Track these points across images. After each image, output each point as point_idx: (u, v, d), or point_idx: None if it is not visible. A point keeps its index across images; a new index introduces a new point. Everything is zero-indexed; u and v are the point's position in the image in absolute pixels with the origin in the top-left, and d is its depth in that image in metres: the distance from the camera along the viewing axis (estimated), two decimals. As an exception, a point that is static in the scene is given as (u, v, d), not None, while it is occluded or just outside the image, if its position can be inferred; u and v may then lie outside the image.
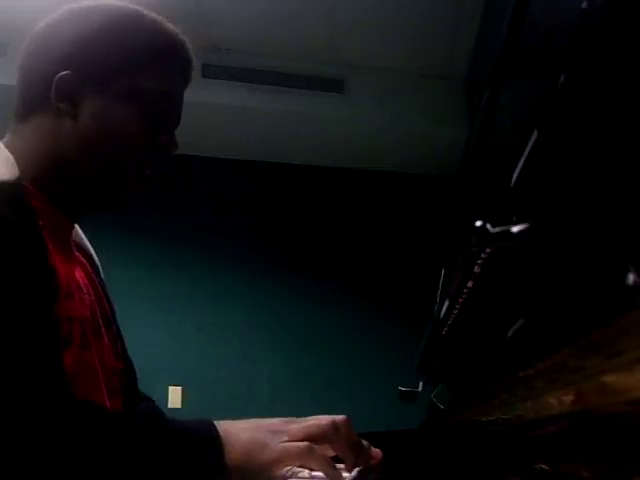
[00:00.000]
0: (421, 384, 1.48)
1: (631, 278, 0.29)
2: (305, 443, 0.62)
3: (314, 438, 0.63)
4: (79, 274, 0.79)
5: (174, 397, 2.97)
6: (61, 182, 0.75)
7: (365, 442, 0.71)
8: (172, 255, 3.23)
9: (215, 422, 0.62)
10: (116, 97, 0.74)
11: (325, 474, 0.64)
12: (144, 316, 2.98)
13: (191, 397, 2.98)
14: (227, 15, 2.74)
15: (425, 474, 0.89)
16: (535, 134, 0.42)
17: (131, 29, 0.77)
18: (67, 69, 0.73)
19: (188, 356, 3.07)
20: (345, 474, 0.66)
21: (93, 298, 0.80)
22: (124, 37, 0.76)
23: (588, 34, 0.35)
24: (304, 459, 0.62)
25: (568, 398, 0.40)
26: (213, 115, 3.01)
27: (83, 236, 0.88)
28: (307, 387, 3.01)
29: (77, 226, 0.85)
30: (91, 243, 0.90)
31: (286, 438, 0.62)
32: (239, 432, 0.62)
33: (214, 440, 0.60)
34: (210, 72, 2.92)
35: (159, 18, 0.80)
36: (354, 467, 0.67)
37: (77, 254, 0.83)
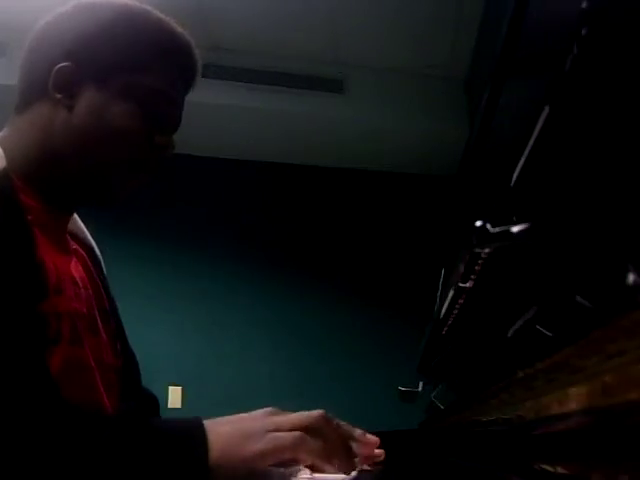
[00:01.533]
0: (421, 384, 1.48)
1: (631, 278, 0.29)
2: (297, 432, 0.56)
3: (304, 428, 0.57)
4: (76, 268, 0.78)
5: (174, 397, 2.97)
6: (52, 174, 0.74)
7: (361, 432, 0.65)
8: (172, 255, 3.23)
9: (197, 419, 0.57)
10: (114, 92, 0.73)
11: (321, 467, 0.59)
12: (144, 316, 2.97)
13: (191, 397, 2.98)
14: (227, 15, 2.74)
15: (425, 474, 0.89)
16: (535, 134, 0.42)
17: (134, 26, 0.76)
18: (68, 61, 0.73)
19: (188, 356, 3.07)
20: (341, 475, 0.64)
21: (91, 293, 0.79)
22: (126, 33, 0.76)
23: (588, 34, 0.35)
24: (296, 450, 0.56)
25: (568, 398, 0.40)
26: (213, 115, 3.01)
27: (84, 229, 0.86)
28: (307, 387, 3.01)
29: (77, 217, 0.84)
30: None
31: (274, 427, 0.57)
32: (218, 426, 0.57)
33: (193, 439, 0.55)
34: (210, 72, 2.92)
35: (165, 17, 0.79)
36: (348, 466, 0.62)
37: (76, 247, 0.81)
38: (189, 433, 0.56)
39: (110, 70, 0.74)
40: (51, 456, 0.51)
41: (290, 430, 0.57)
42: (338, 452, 0.60)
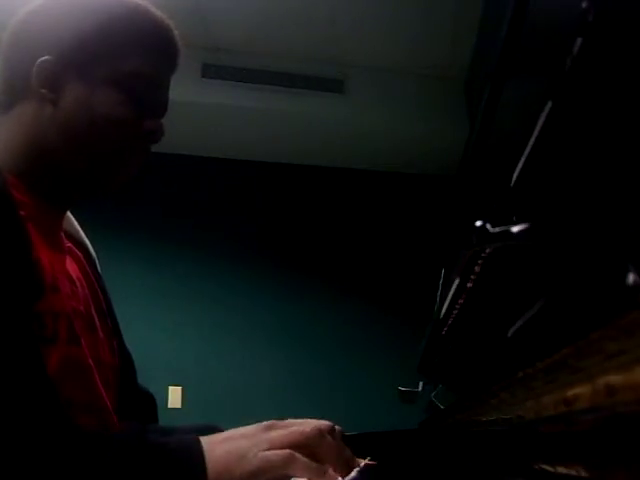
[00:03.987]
0: (421, 384, 1.48)
1: (631, 278, 0.29)
2: (287, 451, 0.57)
3: (297, 445, 0.58)
4: (72, 266, 0.77)
5: (174, 397, 2.97)
6: (44, 171, 0.73)
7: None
8: (172, 255, 3.23)
9: (195, 441, 0.57)
10: (98, 82, 0.73)
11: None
12: (144, 316, 2.98)
13: (191, 397, 2.98)
14: (227, 15, 2.74)
15: (425, 474, 0.89)
16: (535, 134, 0.42)
17: (114, 13, 0.75)
18: (49, 55, 0.72)
19: (188, 356, 3.07)
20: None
21: (87, 291, 0.78)
22: (105, 21, 0.75)
23: (588, 34, 0.35)
24: (287, 468, 0.57)
25: (568, 398, 0.40)
26: (213, 115, 3.01)
27: (78, 228, 0.86)
28: (307, 387, 3.01)
29: (72, 217, 0.83)
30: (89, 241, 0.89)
31: (266, 446, 0.57)
32: (212, 446, 0.57)
33: (192, 462, 0.55)
34: (210, 72, 2.92)
35: (144, 3, 0.78)
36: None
37: (69, 245, 0.81)
38: (188, 456, 0.56)
39: (92, 60, 0.73)
40: (47, 478, 0.50)
41: (283, 447, 0.58)
42: (333, 464, 0.61)
